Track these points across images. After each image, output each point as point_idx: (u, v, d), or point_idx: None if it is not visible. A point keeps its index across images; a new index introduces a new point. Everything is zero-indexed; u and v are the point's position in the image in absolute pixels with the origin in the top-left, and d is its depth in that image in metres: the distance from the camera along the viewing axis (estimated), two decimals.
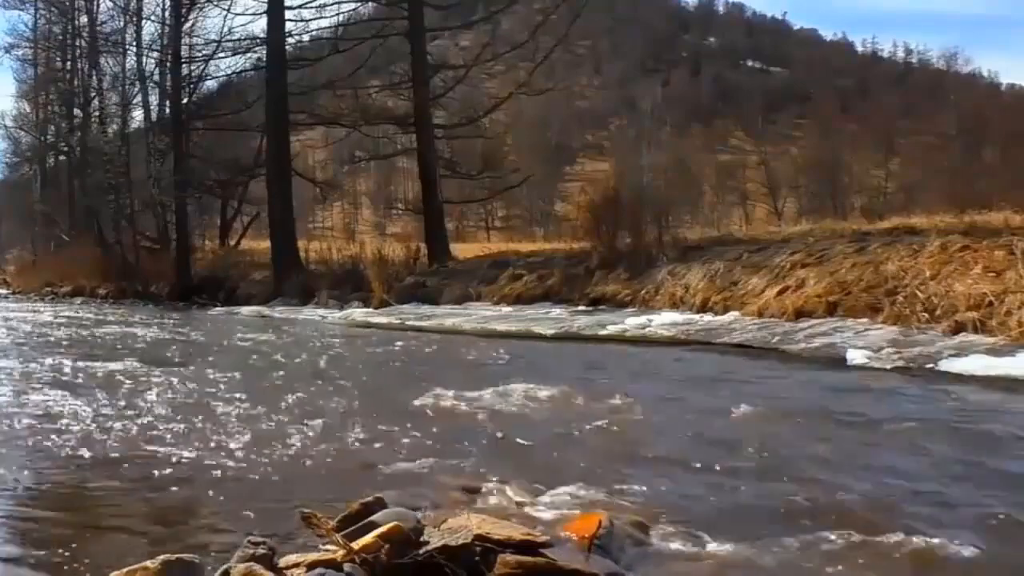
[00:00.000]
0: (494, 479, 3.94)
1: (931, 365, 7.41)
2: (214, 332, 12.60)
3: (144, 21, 24.82)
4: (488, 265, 17.02)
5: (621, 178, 17.57)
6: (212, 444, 4.67)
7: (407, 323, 13.42)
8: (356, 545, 2.66)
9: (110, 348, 10.05)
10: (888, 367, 7.50)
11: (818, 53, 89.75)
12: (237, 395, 6.25)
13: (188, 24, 23.26)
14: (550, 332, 11.24)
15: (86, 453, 4.55)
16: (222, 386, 6.74)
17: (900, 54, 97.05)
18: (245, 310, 17.53)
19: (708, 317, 11.22)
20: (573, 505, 3.56)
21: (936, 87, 74.78)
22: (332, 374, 7.68)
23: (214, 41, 23.20)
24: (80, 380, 7.10)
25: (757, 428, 5.11)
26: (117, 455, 4.50)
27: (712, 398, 6.24)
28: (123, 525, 3.47)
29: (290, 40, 22.18)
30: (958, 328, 8.44)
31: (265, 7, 21.23)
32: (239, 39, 22.84)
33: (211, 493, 3.81)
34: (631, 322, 11.22)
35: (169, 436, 4.88)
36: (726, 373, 7.61)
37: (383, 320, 13.98)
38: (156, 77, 25.52)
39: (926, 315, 8.92)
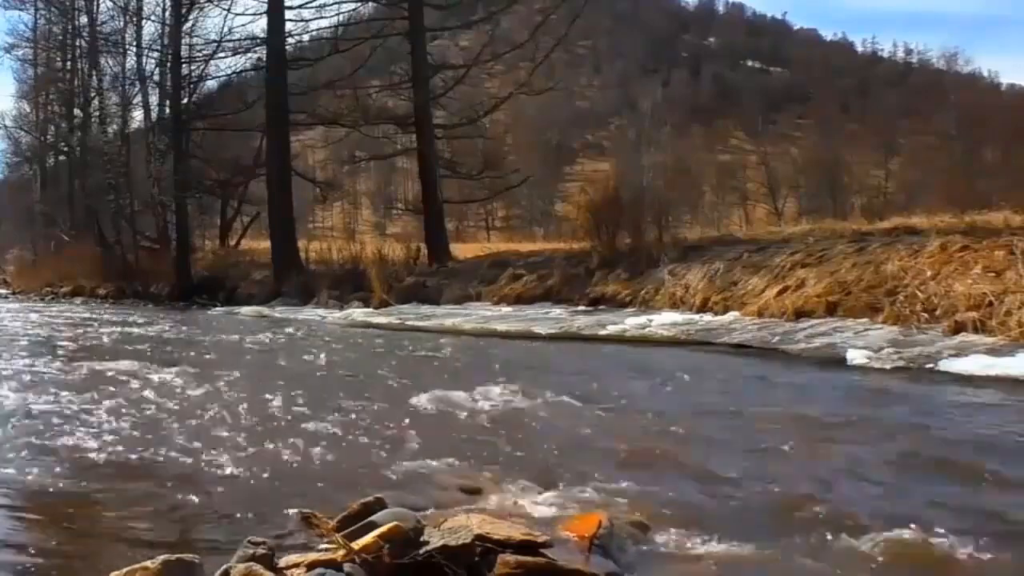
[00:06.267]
0: (494, 479, 3.94)
1: (931, 365, 7.42)
2: (214, 332, 12.59)
3: (144, 21, 24.82)
4: (488, 265, 17.02)
5: (621, 178, 17.54)
6: (212, 444, 4.67)
7: (407, 323, 13.43)
8: (356, 545, 2.66)
9: (110, 348, 10.04)
10: (888, 367, 7.51)
11: (818, 53, 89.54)
12: (236, 395, 6.25)
13: (188, 24, 23.22)
14: (550, 332, 11.24)
15: (85, 454, 4.55)
16: (221, 386, 6.74)
17: (900, 54, 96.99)
18: (245, 310, 17.52)
19: (708, 317, 11.21)
20: (573, 505, 3.56)
21: (936, 87, 74.58)
22: (332, 374, 7.68)
23: (214, 41, 23.19)
24: (80, 381, 7.09)
25: (756, 428, 5.11)
26: (117, 456, 4.50)
27: (712, 399, 6.24)
28: (123, 525, 3.47)
29: (290, 40, 22.21)
30: (958, 328, 8.44)
31: (265, 7, 21.24)
32: (239, 39, 22.82)
33: (211, 493, 3.81)
34: (631, 322, 11.22)
35: (168, 436, 4.88)
36: (726, 374, 7.61)
37: (383, 320, 13.98)
38: (156, 77, 25.49)
39: (926, 315, 8.93)
